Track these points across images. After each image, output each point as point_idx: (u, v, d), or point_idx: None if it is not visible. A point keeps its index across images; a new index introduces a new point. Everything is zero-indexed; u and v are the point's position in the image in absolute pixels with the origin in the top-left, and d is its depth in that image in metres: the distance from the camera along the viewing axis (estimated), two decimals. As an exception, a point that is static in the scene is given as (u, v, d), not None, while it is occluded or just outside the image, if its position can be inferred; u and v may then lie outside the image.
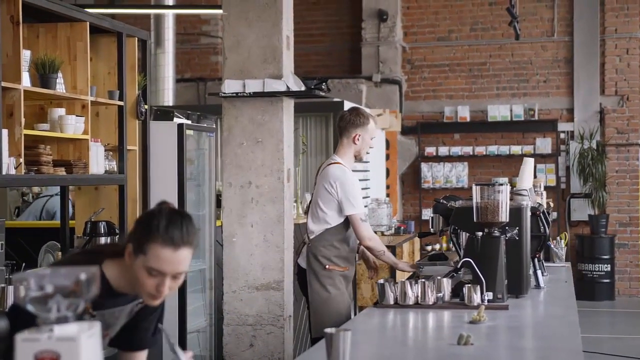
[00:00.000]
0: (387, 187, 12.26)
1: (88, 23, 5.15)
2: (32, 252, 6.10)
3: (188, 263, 2.61)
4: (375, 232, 10.29)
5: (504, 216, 4.45)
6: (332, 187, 5.05)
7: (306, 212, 5.47)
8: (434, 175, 12.88)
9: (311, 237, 5.16)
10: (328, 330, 2.80)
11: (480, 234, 4.45)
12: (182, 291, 6.19)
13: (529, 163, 5.58)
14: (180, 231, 2.55)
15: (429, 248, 11.36)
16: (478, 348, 3.32)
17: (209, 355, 6.71)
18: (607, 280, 12.20)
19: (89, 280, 1.80)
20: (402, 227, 10.98)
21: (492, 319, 3.95)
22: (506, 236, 4.52)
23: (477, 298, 4.25)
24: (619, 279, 12.46)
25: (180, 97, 12.76)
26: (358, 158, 5.24)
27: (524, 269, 4.64)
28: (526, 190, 5.17)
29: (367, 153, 5.29)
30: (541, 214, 5.05)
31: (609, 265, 12.19)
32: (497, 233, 4.46)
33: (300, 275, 5.29)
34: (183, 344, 6.16)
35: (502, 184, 4.49)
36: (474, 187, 4.50)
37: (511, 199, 5.14)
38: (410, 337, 3.93)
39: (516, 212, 4.61)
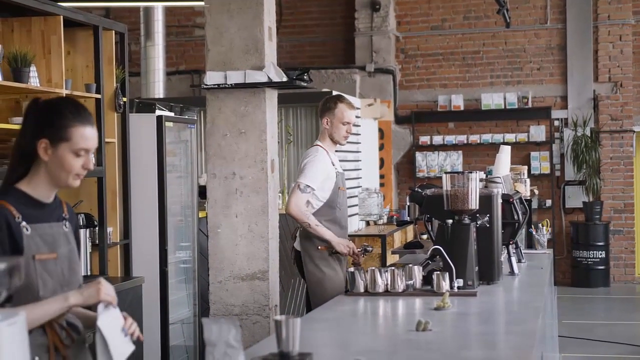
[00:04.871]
0: (382, 176, 12.28)
1: (62, 17, 5.17)
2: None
3: None
4: (368, 223, 10.44)
5: (473, 204, 4.47)
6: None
7: None
8: (429, 164, 12.89)
9: None
10: (277, 317, 2.83)
11: (450, 221, 4.48)
12: (163, 282, 6.23)
13: (505, 151, 5.60)
14: (86, 111, 2.89)
15: (425, 237, 11.32)
16: (435, 334, 3.36)
17: (194, 345, 6.75)
18: (602, 267, 12.20)
19: (10, 270, 1.83)
20: (394, 217, 10.99)
21: (458, 306, 3.98)
22: (477, 223, 4.54)
23: (445, 285, 4.27)
24: (614, 266, 12.47)
25: (174, 89, 12.80)
26: (335, 141, 5.40)
27: (495, 256, 4.66)
28: (500, 177, 5.19)
29: (346, 138, 5.40)
30: (515, 201, 5.06)
31: (603, 252, 12.19)
32: (467, 220, 4.49)
33: (297, 259, 5.42)
34: (165, 334, 6.21)
35: (471, 172, 4.52)
36: (443, 175, 4.53)
37: (486, 187, 5.17)
38: (371, 324, 3.95)
39: (487, 200, 4.63)
